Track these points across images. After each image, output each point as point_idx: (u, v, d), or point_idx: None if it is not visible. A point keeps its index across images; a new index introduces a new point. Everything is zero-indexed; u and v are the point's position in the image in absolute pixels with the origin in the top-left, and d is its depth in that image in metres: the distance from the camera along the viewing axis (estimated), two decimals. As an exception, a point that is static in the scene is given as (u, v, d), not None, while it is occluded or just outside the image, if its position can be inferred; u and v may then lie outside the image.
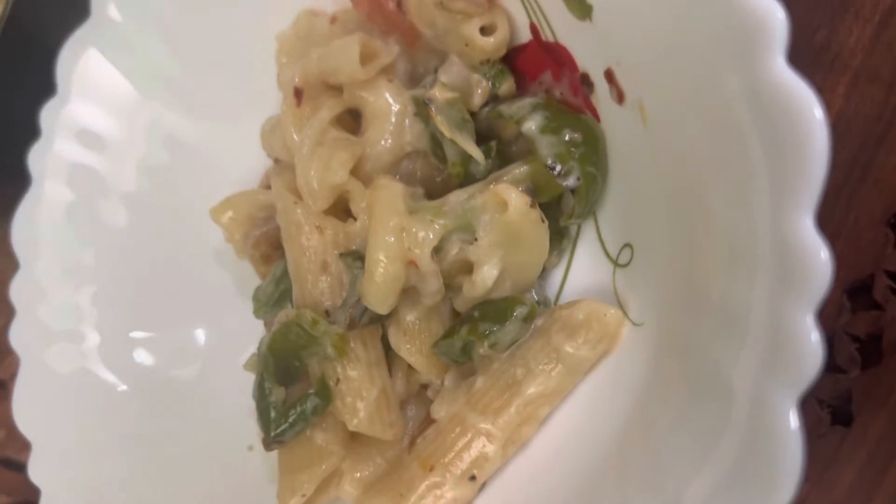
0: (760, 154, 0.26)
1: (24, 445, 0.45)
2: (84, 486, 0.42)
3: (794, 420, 0.24)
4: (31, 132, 0.46)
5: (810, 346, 0.24)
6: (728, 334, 0.27)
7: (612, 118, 0.35)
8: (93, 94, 0.46)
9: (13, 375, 0.48)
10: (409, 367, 0.38)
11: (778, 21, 0.25)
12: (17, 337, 0.45)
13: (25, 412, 0.43)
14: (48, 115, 0.46)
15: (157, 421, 0.44)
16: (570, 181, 0.34)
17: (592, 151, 0.34)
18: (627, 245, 0.35)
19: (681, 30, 0.29)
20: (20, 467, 0.51)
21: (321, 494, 0.39)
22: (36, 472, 0.43)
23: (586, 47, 0.35)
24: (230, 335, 0.46)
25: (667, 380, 0.31)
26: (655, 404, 0.31)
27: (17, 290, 0.45)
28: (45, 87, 0.46)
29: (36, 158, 0.46)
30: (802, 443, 0.24)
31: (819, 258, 0.24)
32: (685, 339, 0.30)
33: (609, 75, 0.34)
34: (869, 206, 0.36)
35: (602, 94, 0.35)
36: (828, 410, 0.35)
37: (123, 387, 0.45)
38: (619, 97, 0.34)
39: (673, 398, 0.30)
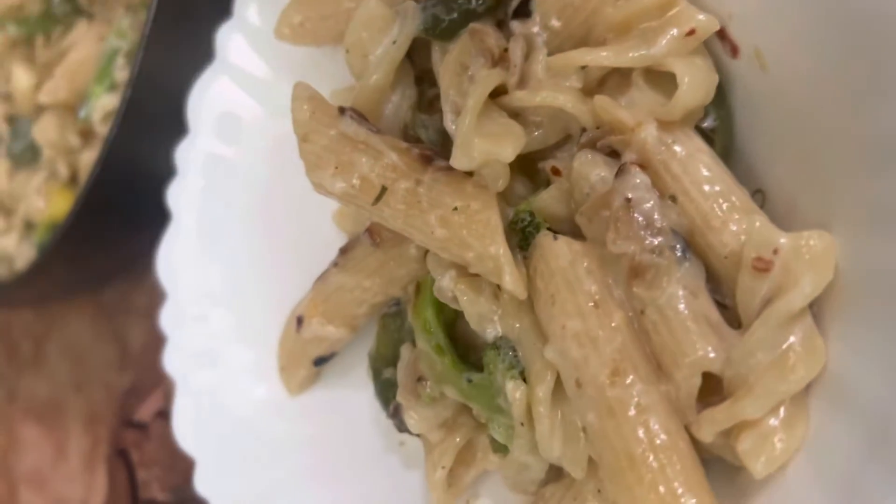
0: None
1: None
2: (247, 493, 0.45)
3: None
4: (167, 173, 0.51)
5: None
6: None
7: (729, 74, 0.36)
8: (221, 129, 0.50)
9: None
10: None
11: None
12: (170, 362, 0.48)
13: (185, 430, 0.46)
14: (182, 153, 0.50)
15: (308, 424, 0.47)
16: (708, 122, 0.35)
17: (720, 97, 0.35)
18: (759, 191, 0.35)
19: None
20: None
21: (468, 467, 0.41)
22: (202, 485, 0.45)
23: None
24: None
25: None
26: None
27: (166, 318, 0.49)
28: (176, 128, 0.50)
29: (174, 195, 0.50)
30: None
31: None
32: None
33: (721, 33, 0.35)
34: None
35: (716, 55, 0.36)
36: None
37: (273, 395, 0.47)
38: (734, 51, 0.35)
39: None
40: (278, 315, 0.48)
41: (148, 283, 0.56)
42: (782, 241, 0.30)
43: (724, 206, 0.33)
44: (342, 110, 0.40)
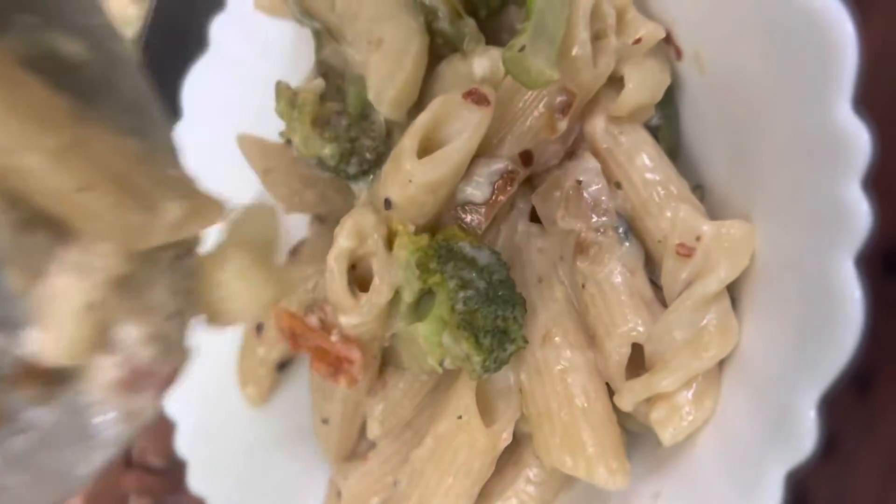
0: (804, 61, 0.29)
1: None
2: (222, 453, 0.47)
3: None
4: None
5: (860, 211, 0.27)
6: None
7: (677, 76, 0.39)
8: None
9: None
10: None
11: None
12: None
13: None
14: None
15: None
16: (655, 120, 0.38)
17: (668, 97, 0.38)
18: (699, 186, 0.38)
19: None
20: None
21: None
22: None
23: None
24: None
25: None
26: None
27: None
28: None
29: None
30: (861, 301, 0.26)
31: (861, 137, 0.27)
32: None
33: (667, 38, 0.38)
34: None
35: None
36: None
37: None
38: (678, 54, 0.38)
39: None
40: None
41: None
42: (704, 228, 0.33)
43: (662, 194, 0.35)
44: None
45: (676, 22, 0.37)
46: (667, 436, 0.32)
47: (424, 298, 0.35)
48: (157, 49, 0.57)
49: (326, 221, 0.48)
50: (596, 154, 0.36)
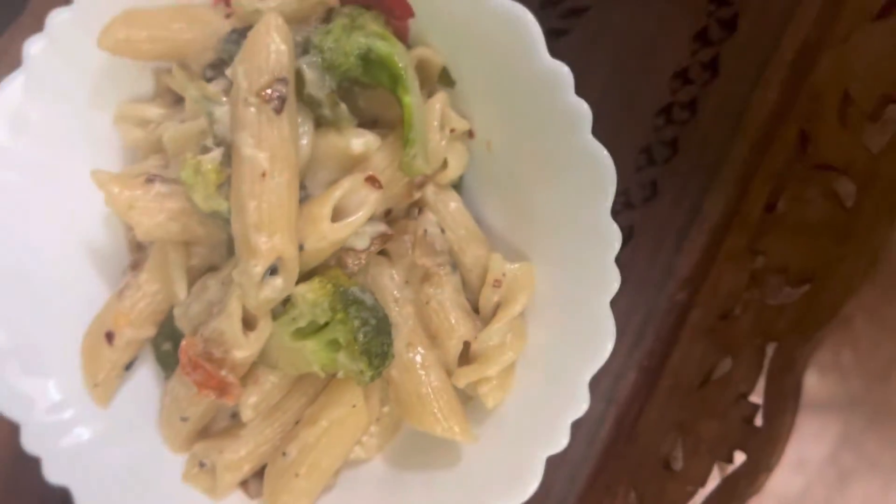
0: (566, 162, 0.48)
1: None
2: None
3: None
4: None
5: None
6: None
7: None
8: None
9: None
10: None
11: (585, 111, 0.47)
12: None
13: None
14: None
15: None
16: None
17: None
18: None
19: (519, 104, 0.49)
20: None
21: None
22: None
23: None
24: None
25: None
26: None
27: None
28: None
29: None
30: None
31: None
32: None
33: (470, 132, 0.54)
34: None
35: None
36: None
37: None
38: (471, 135, 0.54)
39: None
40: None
41: None
42: (507, 267, 0.51)
43: (468, 238, 0.53)
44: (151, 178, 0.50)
45: (474, 120, 0.53)
46: (489, 402, 0.51)
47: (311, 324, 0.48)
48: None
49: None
50: (431, 210, 0.52)
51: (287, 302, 0.48)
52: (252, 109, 0.45)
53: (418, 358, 0.50)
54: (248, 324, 0.48)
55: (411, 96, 0.47)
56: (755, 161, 0.57)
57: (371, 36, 0.47)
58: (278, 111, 0.45)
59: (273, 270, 0.46)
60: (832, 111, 0.54)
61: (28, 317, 0.54)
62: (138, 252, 0.57)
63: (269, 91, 0.45)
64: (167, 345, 0.57)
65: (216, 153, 0.46)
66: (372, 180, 0.47)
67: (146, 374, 0.58)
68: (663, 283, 0.59)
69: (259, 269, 0.45)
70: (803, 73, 0.56)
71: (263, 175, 0.44)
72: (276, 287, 0.46)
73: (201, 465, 0.55)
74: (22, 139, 0.53)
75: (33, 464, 0.52)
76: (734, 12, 0.57)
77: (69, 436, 0.54)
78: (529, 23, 0.46)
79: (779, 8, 0.56)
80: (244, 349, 0.47)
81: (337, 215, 0.47)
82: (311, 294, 0.47)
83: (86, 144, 0.56)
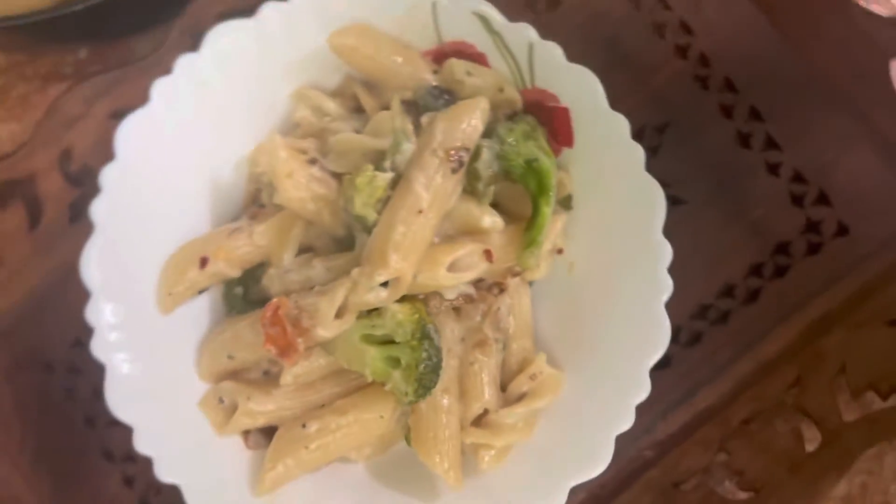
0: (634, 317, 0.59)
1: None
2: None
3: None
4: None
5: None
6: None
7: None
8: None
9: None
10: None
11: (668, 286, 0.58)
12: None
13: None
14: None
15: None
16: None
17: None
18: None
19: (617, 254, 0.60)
20: None
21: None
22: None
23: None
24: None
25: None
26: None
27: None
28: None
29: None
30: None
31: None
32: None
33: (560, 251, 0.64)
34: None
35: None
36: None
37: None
38: (560, 251, 0.65)
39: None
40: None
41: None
42: (547, 369, 0.61)
43: (523, 330, 0.63)
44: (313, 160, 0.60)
45: (570, 243, 0.63)
46: (483, 466, 0.60)
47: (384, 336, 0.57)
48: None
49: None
50: (509, 295, 0.62)
51: (374, 310, 0.57)
52: (436, 161, 0.54)
53: (445, 402, 0.59)
54: (338, 312, 0.56)
55: (549, 208, 0.57)
56: (752, 381, 0.69)
57: (540, 149, 0.58)
58: (454, 171, 0.55)
59: (385, 283, 0.55)
60: (827, 373, 0.66)
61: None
62: (255, 206, 0.65)
63: (454, 153, 0.55)
64: (238, 289, 0.64)
65: (389, 175, 0.56)
66: (488, 254, 0.56)
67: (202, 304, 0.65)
68: (638, 436, 0.69)
69: (380, 278, 0.53)
70: (818, 333, 0.68)
71: (420, 212, 0.54)
72: (380, 297, 0.54)
73: (220, 400, 0.61)
74: (218, 78, 0.62)
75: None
76: (788, 263, 0.69)
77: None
78: (657, 197, 0.57)
79: (822, 277, 0.69)
80: (328, 330, 0.55)
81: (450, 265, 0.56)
82: (401, 315, 0.55)
83: (254, 102, 0.65)
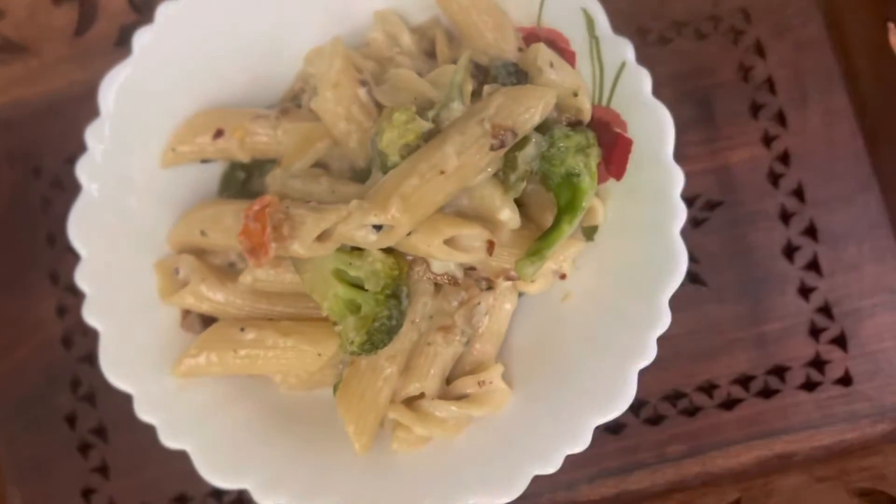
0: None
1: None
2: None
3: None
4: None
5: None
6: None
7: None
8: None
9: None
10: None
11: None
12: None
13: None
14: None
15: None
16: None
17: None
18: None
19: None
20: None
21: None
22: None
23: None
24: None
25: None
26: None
27: None
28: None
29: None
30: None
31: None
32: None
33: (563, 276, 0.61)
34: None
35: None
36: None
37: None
38: (563, 277, 0.62)
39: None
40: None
41: None
42: (499, 382, 0.58)
43: (492, 335, 0.60)
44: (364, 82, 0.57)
45: (577, 272, 0.60)
46: (394, 446, 0.57)
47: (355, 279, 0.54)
48: None
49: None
50: (493, 296, 0.59)
51: (358, 250, 0.54)
52: (479, 131, 0.52)
53: (387, 371, 0.56)
54: (322, 236, 0.53)
55: (569, 228, 0.54)
56: (691, 486, 0.65)
57: (587, 167, 0.55)
58: (493, 149, 0.52)
59: (378, 227, 0.52)
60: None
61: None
62: (292, 103, 0.63)
63: (502, 132, 0.52)
64: (241, 174, 0.62)
65: (427, 125, 0.53)
66: (491, 245, 0.53)
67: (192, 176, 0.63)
68: (557, 487, 0.66)
69: (375, 220, 0.51)
70: (776, 468, 0.65)
71: (442, 172, 0.51)
72: (368, 239, 0.52)
73: (176, 271, 0.59)
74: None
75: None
76: (778, 388, 0.66)
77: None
78: (679, 254, 0.53)
79: (805, 417, 0.65)
80: (304, 248, 0.52)
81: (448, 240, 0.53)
82: (380, 265, 0.53)
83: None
